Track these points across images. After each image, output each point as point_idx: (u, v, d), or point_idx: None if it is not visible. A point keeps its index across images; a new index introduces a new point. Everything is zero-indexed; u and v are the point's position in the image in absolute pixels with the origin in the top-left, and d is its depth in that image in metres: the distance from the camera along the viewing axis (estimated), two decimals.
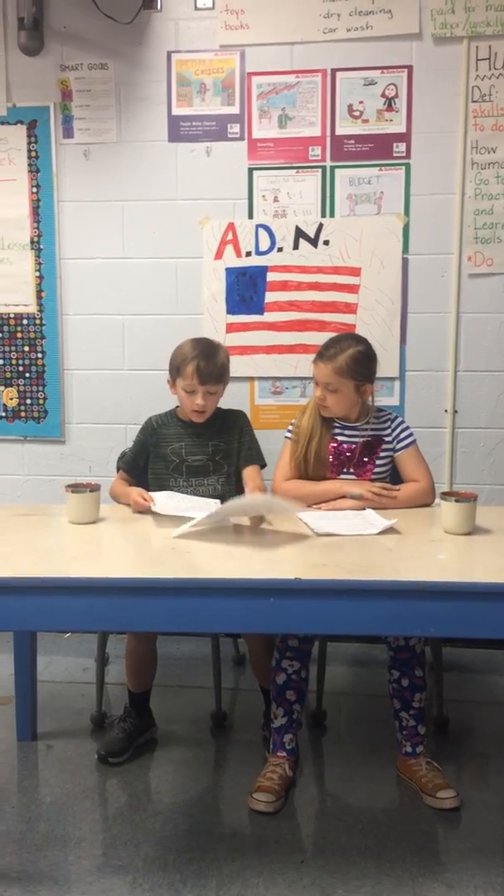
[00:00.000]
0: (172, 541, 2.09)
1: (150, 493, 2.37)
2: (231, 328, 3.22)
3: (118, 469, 2.66)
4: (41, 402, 3.34)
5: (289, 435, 2.59)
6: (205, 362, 2.42)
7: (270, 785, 2.20)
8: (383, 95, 3.03)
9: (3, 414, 3.36)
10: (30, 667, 2.56)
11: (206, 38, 3.05)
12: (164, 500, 2.34)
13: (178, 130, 3.12)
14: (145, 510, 2.32)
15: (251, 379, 3.24)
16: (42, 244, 3.23)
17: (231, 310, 3.21)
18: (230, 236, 3.17)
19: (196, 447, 2.53)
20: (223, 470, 2.54)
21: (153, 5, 3.03)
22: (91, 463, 3.34)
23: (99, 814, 2.21)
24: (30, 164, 3.18)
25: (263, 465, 2.57)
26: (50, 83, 3.13)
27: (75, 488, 2.31)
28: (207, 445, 2.53)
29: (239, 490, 2.52)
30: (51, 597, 1.86)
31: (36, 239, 3.23)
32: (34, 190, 3.20)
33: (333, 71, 3.03)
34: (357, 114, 3.05)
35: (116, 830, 2.11)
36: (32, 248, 3.24)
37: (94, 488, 2.32)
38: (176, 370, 2.48)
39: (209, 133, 3.11)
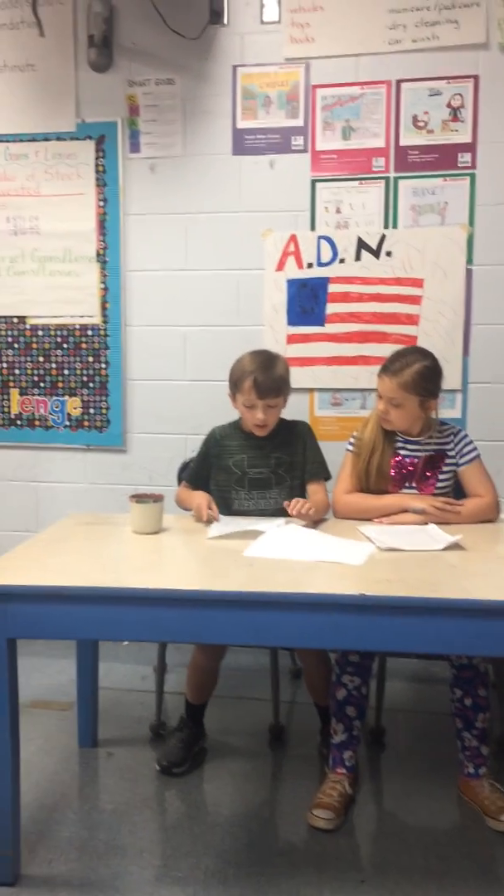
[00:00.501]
0: (235, 553, 2.10)
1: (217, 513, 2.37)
2: (291, 339, 3.22)
3: (180, 480, 2.68)
4: (104, 411, 3.39)
5: (350, 447, 2.57)
6: (263, 376, 2.41)
7: (330, 801, 2.18)
8: (449, 105, 3.00)
9: (67, 423, 3.42)
10: (91, 674, 2.60)
11: (272, 52, 3.07)
12: (223, 527, 2.31)
13: (243, 143, 3.15)
14: (206, 522, 2.32)
15: (311, 390, 3.23)
16: (107, 256, 3.29)
17: (292, 321, 3.22)
18: (292, 248, 3.17)
19: (258, 459, 2.53)
20: (286, 483, 2.53)
21: (220, 20, 3.07)
22: (152, 472, 3.37)
23: (159, 824, 2.22)
24: (97, 179, 3.24)
25: (328, 479, 2.56)
26: (118, 99, 3.19)
27: (139, 498, 2.34)
28: (270, 458, 2.53)
29: None
30: (115, 607, 1.89)
31: (102, 251, 3.29)
32: (101, 203, 3.26)
33: (398, 82, 3.02)
34: (422, 124, 3.03)
35: (176, 841, 2.12)
36: (98, 261, 3.29)
37: (158, 498, 2.34)
38: (235, 385, 2.49)
39: (273, 145, 3.12)
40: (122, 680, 3.06)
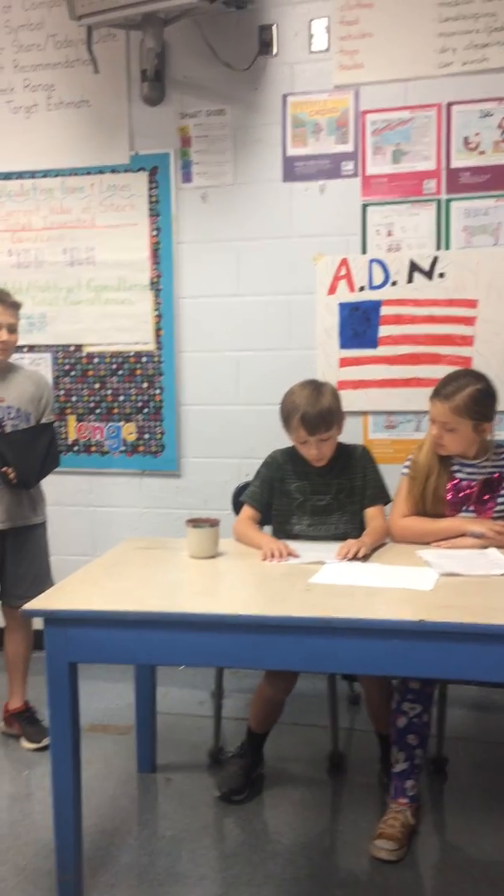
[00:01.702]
0: (293, 578, 2.10)
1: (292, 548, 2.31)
2: (344, 363, 3.22)
3: (240, 503, 2.64)
4: (158, 436, 3.43)
5: (405, 471, 2.55)
6: (311, 412, 2.37)
7: (393, 832, 2.14)
8: (500, 126, 2.99)
9: (123, 448, 3.47)
10: (150, 699, 2.61)
11: (321, 80, 3.10)
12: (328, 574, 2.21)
13: (293, 170, 3.18)
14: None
15: (364, 413, 3.22)
16: (161, 284, 3.34)
17: (344, 344, 3.22)
18: (343, 272, 3.18)
19: (320, 486, 2.51)
20: (346, 509, 2.51)
21: (269, 51, 3.12)
22: (206, 496, 3.39)
23: (219, 851, 2.21)
24: (150, 209, 3.31)
25: (387, 503, 2.53)
26: (170, 131, 3.26)
27: (196, 523, 2.35)
28: (331, 485, 2.51)
29: (363, 529, 2.48)
30: (173, 632, 1.90)
31: (155, 280, 3.35)
32: (154, 233, 3.32)
33: (449, 105, 3.02)
34: (473, 146, 3.02)
35: (237, 870, 2.10)
36: (152, 289, 3.35)
37: (214, 523, 2.35)
38: (285, 422, 2.46)
39: (323, 171, 3.15)
40: (179, 704, 3.06)
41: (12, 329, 2.72)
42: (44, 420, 2.83)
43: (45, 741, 2.69)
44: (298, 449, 2.50)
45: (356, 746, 2.76)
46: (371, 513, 2.49)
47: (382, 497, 2.53)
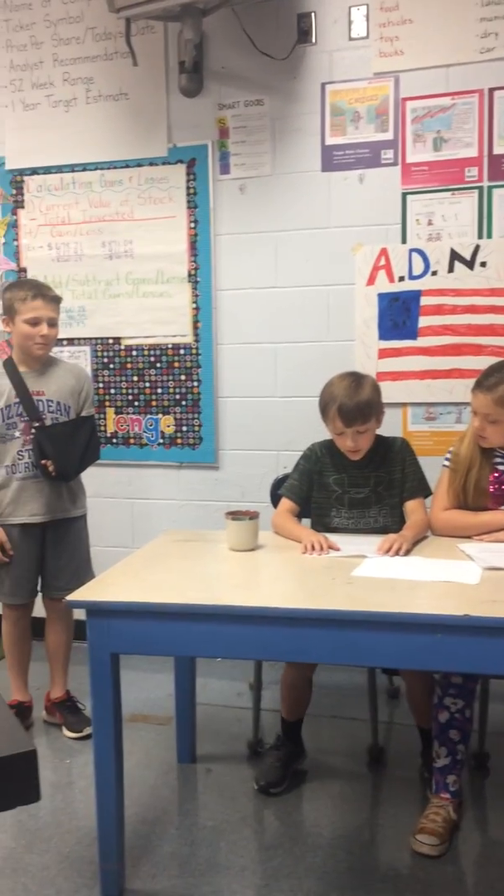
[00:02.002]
0: (334, 571, 2.09)
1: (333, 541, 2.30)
2: (383, 354, 3.19)
3: (279, 496, 2.64)
4: (196, 428, 3.44)
5: (447, 463, 2.52)
6: (348, 403, 2.36)
7: (434, 827, 2.13)
8: None
9: (161, 441, 3.48)
10: (189, 690, 2.62)
11: (361, 67, 3.06)
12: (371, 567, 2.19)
13: (332, 159, 3.15)
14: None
15: (404, 405, 3.19)
16: (199, 277, 3.34)
17: (383, 335, 3.19)
18: (383, 262, 3.15)
19: (358, 479, 2.50)
20: (385, 502, 2.49)
21: (308, 39, 3.09)
22: (244, 489, 3.39)
23: (259, 843, 2.22)
24: (188, 201, 3.31)
25: (427, 496, 2.51)
26: (208, 122, 3.25)
27: (235, 516, 2.35)
28: (370, 478, 2.50)
29: (402, 522, 2.47)
30: (213, 624, 1.90)
31: (193, 272, 3.34)
32: (192, 225, 3.32)
33: (491, 90, 2.96)
34: None
35: (277, 862, 2.11)
36: (189, 281, 3.35)
37: (254, 516, 2.35)
38: (323, 412, 2.45)
39: (362, 160, 3.11)
40: (217, 696, 3.08)
41: (53, 323, 2.74)
42: (84, 413, 2.85)
43: (87, 730, 2.73)
44: (335, 440, 2.48)
45: (395, 740, 2.74)
46: (411, 506, 2.47)
47: (422, 490, 2.50)
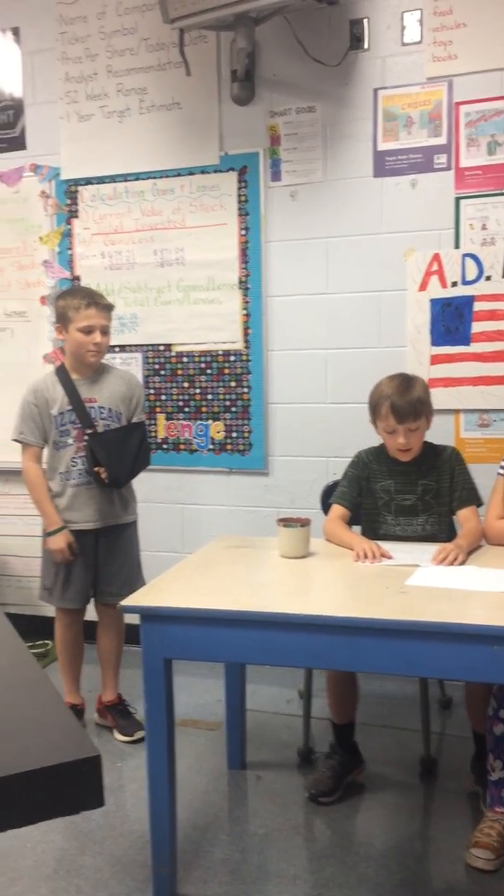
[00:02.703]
0: (387, 580, 2.07)
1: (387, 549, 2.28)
2: (435, 360, 3.16)
3: (329, 504, 2.64)
4: (246, 435, 3.45)
5: (501, 471, 2.48)
6: (400, 400, 2.37)
7: (489, 842, 2.09)
8: None
9: (211, 446, 3.50)
10: (240, 696, 2.62)
11: (413, 72, 3.05)
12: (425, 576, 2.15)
13: (384, 165, 3.14)
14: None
15: (456, 411, 3.16)
16: (249, 283, 3.36)
17: (435, 341, 3.16)
18: (435, 267, 3.12)
19: (405, 486, 2.49)
20: (433, 510, 2.47)
21: (360, 45, 3.08)
22: (293, 495, 3.39)
23: (311, 851, 2.21)
24: (239, 209, 3.32)
25: (479, 504, 2.48)
26: (260, 130, 3.26)
27: (287, 522, 2.35)
28: (417, 485, 2.48)
29: (450, 531, 2.45)
30: (266, 631, 1.90)
31: (244, 279, 3.36)
32: (243, 232, 3.34)
33: None
34: None
35: (329, 871, 2.09)
36: (240, 288, 3.37)
37: (305, 523, 2.34)
38: (373, 411, 2.46)
39: (415, 165, 3.09)
40: (267, 702, 3.07)
41: (105, 331, 2.77)
42: (135, 419, 2.87)
43: (138, 734, 2.75)
44: (385, 440, 2.48)
45: (448, 752, 2.71)
46: (464, 514, 2.44)
47: (474, 499, 2.47)
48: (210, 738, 2.81)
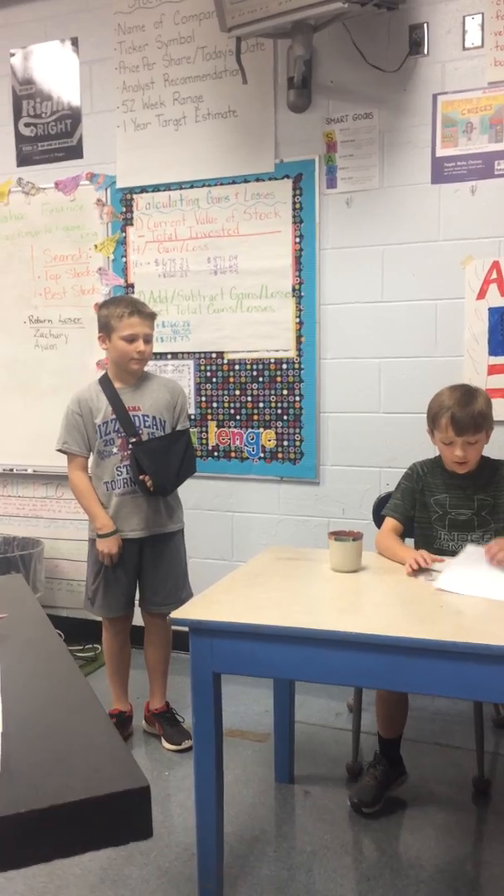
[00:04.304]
0: (440, 598, 2.03)
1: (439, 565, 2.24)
2: (493, 370, 3.09)
3: (381, 516, 2.60)
4: (297, 443, 3.42)
5: None
6: (461, 412, 2.31)
7: None
8: None
9: (262, 455, 3.48)
10: (288, 708, 2.60)
11: (474, 77, 2.98)
12: (454, 578, 2.15)
13: (442, 171, 3.08)
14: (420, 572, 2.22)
15: None
16: (303, 291, 3.33)
17: (493, 351, 3.09)
18: (494, 275, 3.05)
19: (461, 500, 2.43)
20: (489, 526, 2.41)
21: (420, 51, 3.03)
22: (345, 505, 3.35)
23: (360, 872, 2.17)
24: (294, 216, 3.30)
25: None
26: (315, 137, 3.24)
27: (339, 536, 2.31)
28: (473, 500, 2.42)
29: None
30: (317, 649, 1.88)
31: (297, 287, 3.34)
32: (297, 240, 3.31)
33: None
34: None
35: (378, 893, 2.05)
36: (294, 296, 3.35)
37: (357, 537, 2.31)
38: (432, 421, 2.41)
39: (474, 172, 3.03)
40: (315, 715, 3.04)
41: (148, 339, 2.77)
42: (179, 427, 2.86)
43: (186, 744, 2.75)
44: (441, 451, 2.42)
45: (502, 773, 2.64)
46: None
47: None
48: (257, 750, 2.79)
